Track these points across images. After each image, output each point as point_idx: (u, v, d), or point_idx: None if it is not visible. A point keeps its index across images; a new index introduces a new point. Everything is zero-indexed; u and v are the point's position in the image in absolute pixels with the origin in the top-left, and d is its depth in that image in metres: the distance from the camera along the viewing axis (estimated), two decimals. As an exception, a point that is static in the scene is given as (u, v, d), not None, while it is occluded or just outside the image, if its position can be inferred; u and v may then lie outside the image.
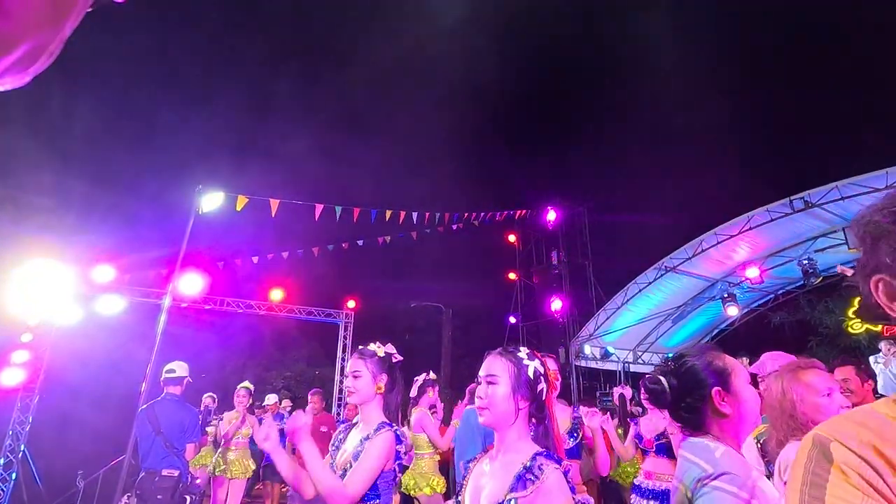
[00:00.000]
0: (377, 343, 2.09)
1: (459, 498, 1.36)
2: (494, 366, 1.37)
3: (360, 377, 1.97)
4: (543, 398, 1.38)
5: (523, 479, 1.21)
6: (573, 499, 1.20)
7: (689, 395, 1.23)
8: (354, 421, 2.04)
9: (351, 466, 1.82)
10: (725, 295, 11.03)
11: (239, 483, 5.03)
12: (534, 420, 1.37)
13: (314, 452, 1.71)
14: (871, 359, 6.92)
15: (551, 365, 1.49)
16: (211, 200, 5.73)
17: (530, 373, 1.36)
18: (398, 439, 1.88)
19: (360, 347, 2.09)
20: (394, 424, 1.91)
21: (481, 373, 1.39)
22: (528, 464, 1.23)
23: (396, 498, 4.44)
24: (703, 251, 10.37)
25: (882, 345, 6.71)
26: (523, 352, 1.42)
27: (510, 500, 1.20)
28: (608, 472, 3.46)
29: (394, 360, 2.07)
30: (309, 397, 6.06)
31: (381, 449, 1.79)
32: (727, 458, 1.10)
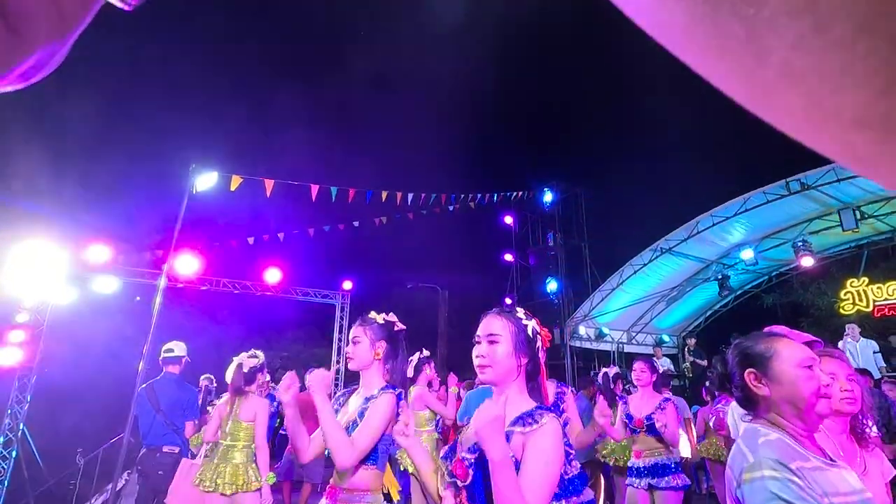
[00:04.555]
0: (379, 313, 2.11)
1: (458, 437, 1.40)
2: (494, 325, 1.39)
3: (358, 343, 2.02)
4: (540, 356, 1.43)
5: (522, 420, 1.25)
6: (567, 450, 1.23)
7: (731, 377, 1.28)
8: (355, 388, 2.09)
9: (354, 424, 1.86)
10: (720, 276, 11.12)
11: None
12: (528, 378, 1.41)
13: (328, 407, 1.78)
14: (840, 343, 7.28)
15: None
16: (205, 180, 5.68)
17: (529, 331, 1.41)
18: (399, 402, 1.93)
19: (362, 316, 2.11)
20: (397, 388, 1.96)
21: (480, 332, 1.41)
22: (530, 411, 1.28)
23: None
24: (698, 233, 10.40)
25: (847, 328, 7.45)
26: (520, 311, 1.46)
27: (506, 432, 1.22)
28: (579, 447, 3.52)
29: (395, 329, 2.10)
30: (307, 377, 6.09)
31: (386, 408, 1.85)
32: (771, 445, 1.10)
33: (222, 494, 3.18)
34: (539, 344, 1.43)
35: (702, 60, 0.17)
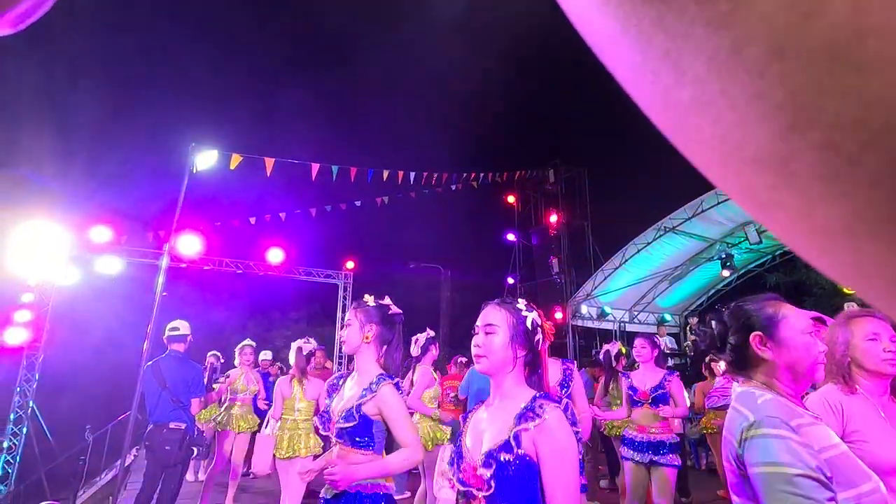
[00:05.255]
0: (367, 294, 2.10)
1: (461, 441, 1.39)
2: (493, 316, 1.40)
3: (349, 326, 2.01)
4: (539, 348, 1.41)
5: (525, 417, 1.24)
6: (574, 431, 1.23)
7: (731, 336, 1.26)
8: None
9: (351, 413, 1.86)
10: (723, 256, 11.07)
11: (244, 437, 5.17)
12: (528, 369, 1.40)
13: (362, 469, 1.78)
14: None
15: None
16: (205, 159, 5.63)
17: (528, 323, 1.39)
18: (398, 391, 1.93)
19: (358, 300, 2.10)
20: (395, 377, 1.95)
21: (479, 322, 1.41)
22: (529, 404, 1.27)
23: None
24: (703, 211, 10.32)
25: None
26: (521, 303, 1.45)
27: (514, 434, 1.23)
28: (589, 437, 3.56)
29: (390, 313, 2.07)
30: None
31: (397, 401, 1.87)
32: (770, 404, 1.11)
33: (299, 457, 3.95)
34: (539, 337, 1.41)
35: (623, 74, 0.16)
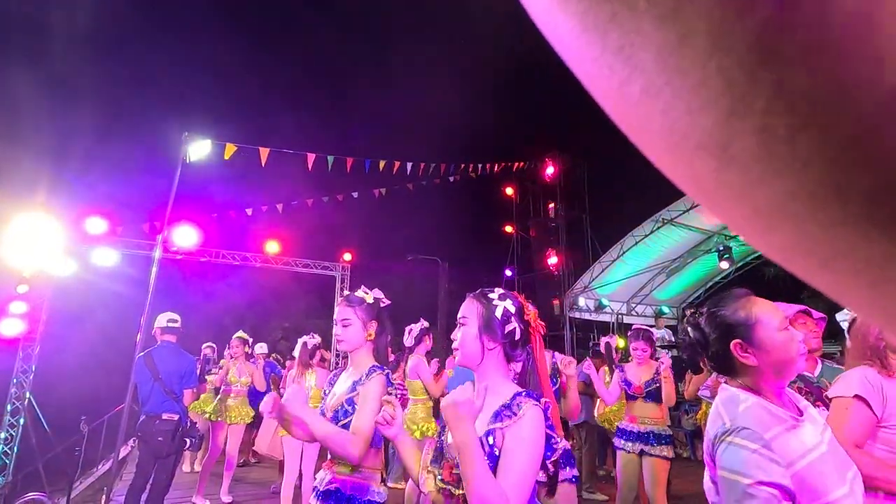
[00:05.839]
0: (364, 289, 2.05)
1: (443, 437, 1.37)
2: (466, 307, 1.39)
3: (349, 325, 1.95)
4: (517, 338, 1.36)
5: (501, 416, 1.22)
6: (549, 434, 1.21)
7: (711, 345, 1.25)
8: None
9: (342, 408, 1.84)
10: (721, 248, 11.05)
11: (238, 428, 5.17)
12: (510, 361, 1.36)
13: (315, 418, 1.72)
14: (838, 316, 7.14)
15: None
16: (198, 148, 5.57)
17: (498, 313, 1.35)
18: (389, 383, 1.90)
19: (347, 294, 2.05)
20: (385, 368, 1.93)
21: (458, 315, 1.40)
22: (508, 402, 1.24)
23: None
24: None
25: None
26: (496, 293, 1.41)
27: (487, 432, 1.21)
28: (577, 417, 3.58)
29: (382, 305, 2.05)
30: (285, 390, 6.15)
31: (377, 391, 1.81)
32: (749, 413, 1.11)
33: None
34: (513, 326, 1.35)
35: (581, 68, 0.17)
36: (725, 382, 1.24)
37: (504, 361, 1.35)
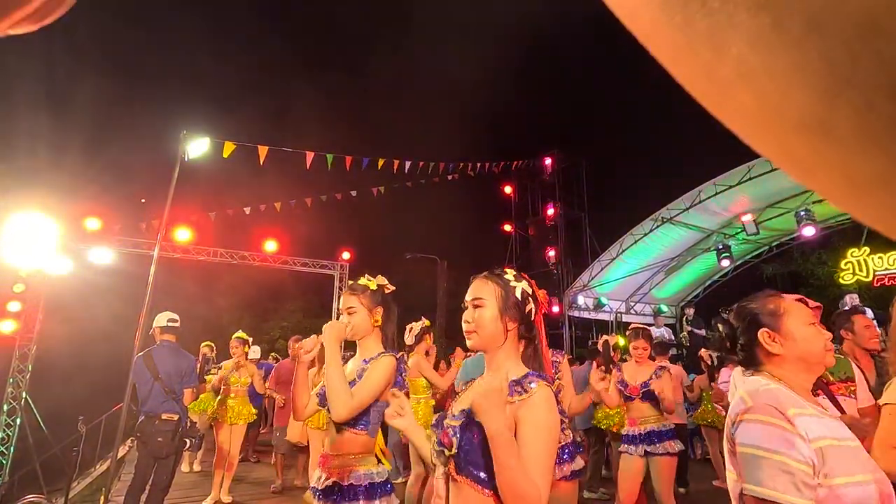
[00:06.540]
0: (367, 276, 2.04)
1: (451, 409, 1.36)
2: (481, 289, 1.34)
3: (355, 313, 1.95)
4: (532, 319, 1.35)
5: (512, 391, 1.20)
6: (560, 419, 1.19)
7: (740, 337, 1.30)
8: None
9: (353, 383, 1.84)
10: (720, 246, 11.05)
11: (239, 428, 5.14)
12: (523, 341, 1.35)
13: (337, 357, 1.80)
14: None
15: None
16: (197, 146, 5.53)
17: (518, 294, 1.33)
18: (400, 367, 1.89)
19: (351, 283, 2.04)
20: (398, 352, 1.92)
21: (468, 297, 1.35)
22: (520, 379, 1.23)
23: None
24: (700, 202, 10.27)
25: (847, 297, 6.99)
26: (510, 273, 1.38)
27: None
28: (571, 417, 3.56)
29: (386, 291, 2.03)
30: (300, 343, 6.12)
31: (386, 368, 1.83)
32: (770, 393, 1.14)
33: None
34: (531, 307, 1.35)
35: (666, 54, 0.18)
36: (751, 374, 1.27)
37: (516, 342, 1.34)
